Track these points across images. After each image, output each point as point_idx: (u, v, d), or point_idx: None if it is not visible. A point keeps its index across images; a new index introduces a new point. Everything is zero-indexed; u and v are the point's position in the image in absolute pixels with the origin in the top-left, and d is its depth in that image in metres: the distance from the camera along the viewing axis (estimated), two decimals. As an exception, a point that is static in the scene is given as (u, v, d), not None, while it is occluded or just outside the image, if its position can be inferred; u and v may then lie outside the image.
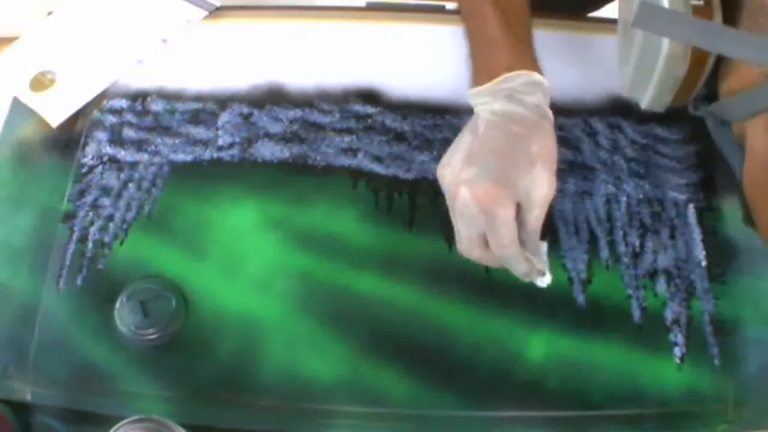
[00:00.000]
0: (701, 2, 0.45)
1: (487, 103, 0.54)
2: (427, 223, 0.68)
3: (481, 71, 0.55)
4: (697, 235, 0.68)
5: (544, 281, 0.56)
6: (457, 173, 0.53)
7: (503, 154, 0.52)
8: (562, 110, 0.73)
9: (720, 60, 0.47)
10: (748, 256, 0.67)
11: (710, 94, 0.49)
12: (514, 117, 0.53)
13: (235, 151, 0.72)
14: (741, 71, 0.44)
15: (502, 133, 0.53)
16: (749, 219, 0.47)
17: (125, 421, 0.55)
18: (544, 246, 0.56)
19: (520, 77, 0.54)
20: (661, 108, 0.51)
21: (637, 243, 0.68)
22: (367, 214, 0.69)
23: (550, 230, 0.68)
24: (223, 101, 0.75)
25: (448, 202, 0.55)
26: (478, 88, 0.55)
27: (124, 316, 0.63)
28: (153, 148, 0.73)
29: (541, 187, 0.53)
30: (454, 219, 0.55)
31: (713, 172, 0.70)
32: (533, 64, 0.55)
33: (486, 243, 0.54)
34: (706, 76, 0.47)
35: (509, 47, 0.55)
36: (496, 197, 0.51)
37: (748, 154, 0.44)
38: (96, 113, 0.75)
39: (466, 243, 0.55)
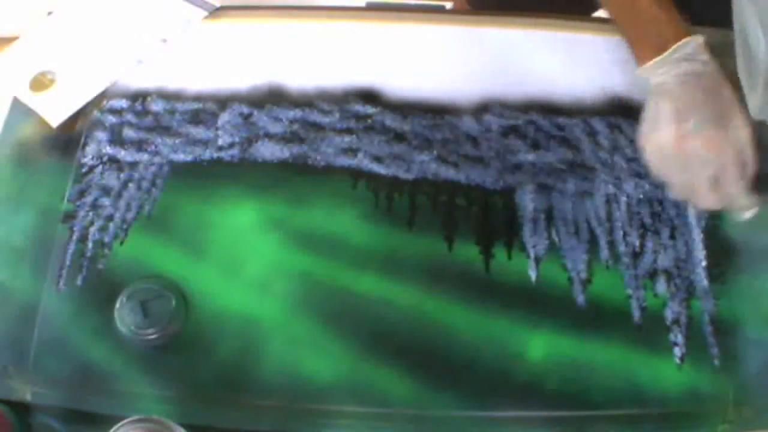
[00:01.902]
0: None
1: (668, 71, 0.62)
2: (427, 223, 0.68)
3: (647, 47, 0.64)
4: (697, 235, 0.68)
5: (753, 213, 0.64)
6: (673, 131, 0.61)
7: (710, 106, 0.61)
8: (562, 110, 0.73)
9: None
10: (748, 256, 0.67)
11: None
12: (702, 75, 0.62)
13: (235, 151, 0.72)
14: None
15: (698, 89, 0.62)
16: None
17: (125, 421, 0.55)
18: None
19: (689, 43, 0.62)
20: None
21: (637, 243, 0.68)
22: (367, 214, 0.69)
23: (550, 230, 0.68)
24: (223, 101, 0.75)
25: (663, 164, 0.63)
26: (653, 61, 0.63)
27: (124, 316, 0.63)
28: (153, 148, 0.73)
29: (743, 124, 0.61)
30: (677, 176, 0.63)
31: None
32: (688, 30, 0.63)
33: (714, 186, 0.62)
34: None
35: (667, 20, 0.63)
36: (720, 139, 0.60)
37: None
38: (96, 113, 0.75)
39: (703, 188, 0.62)
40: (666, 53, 0.62)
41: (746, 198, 0.63)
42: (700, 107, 0.61)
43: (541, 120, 0.73)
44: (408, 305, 0.65)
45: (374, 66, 0.76)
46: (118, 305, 0.64)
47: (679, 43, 0.62)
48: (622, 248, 0.67)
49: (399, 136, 0.72)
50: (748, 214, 0.64)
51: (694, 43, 0.62)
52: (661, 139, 0.63)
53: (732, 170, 0.61)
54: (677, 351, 0.63)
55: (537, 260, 0.67)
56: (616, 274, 0.66)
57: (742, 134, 0.61)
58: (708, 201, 0.63)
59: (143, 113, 0.74)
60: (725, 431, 0.62)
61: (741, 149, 0.61)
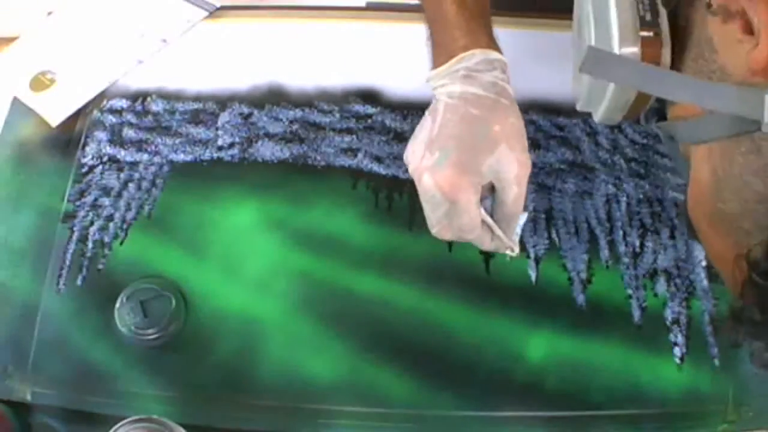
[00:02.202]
0: (651, 34, 0.46)
1: (445, 85, 0.54)
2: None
3: (440, 54, 0.55)
4: (697, 235, 0.68)
5: (513, 253, 0.57)
6: (419, 159, 0.54)
7: (463, 139, 0.52)
8: (562, 110, 0.74)
9: None
10: (748, 256, 0.67)
11: (661, 107, 0.50)
12: (472, 98, 0.53)
13: (235, 151, 0.72)
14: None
15: (460, 116, 0.53)
16: (693, 233, 0.48)
17: (125, 421, 0.55)
18: (523, 218, 0.57)
19: (475, 56, 0.54)
20: (613, 122, 0.52)
21: (637, 243, 0.68)
22: (367, 214, 0.69)
23: (550, 230, 0.68)
24: (223, 101, 0.75)
25: (417, 186, 0.56)
26: (436, 70, 0.55)
27: (124, 316, 0.63)
28: (153, 148, 0.73)
29: (509, 167, 0.53)
30: (423, 204, 0.55)
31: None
32: (489, 43, 0.55)
33: (448, 225, 0.55)
34: (654, 98, 0.49)
35: (465, 28, 0.54)
36: (457, 183, 0.52)
37: (691, 180, 0.45)
38: (96, 113, 0.75)
39: (437, 227, 0.55)
40: (448, 64, 0.54)
41: (493, 241, 0.56)
42: (454, 139, 0.52)
43: (541, 120, 0.73)
44: (408, 305, 0.65)
45: (374, 66, 0.76)
46: (118, 305, 0.64)
47: (464, 54, 0.53)
48: (622, 248, 0.67)
49: (399, 136, 0.72)
50: (508, 253, 0.57)
51: (481, 57, 0.53)
52: (408, 163, 0.55)
53: (464, 218, 0.53)
54: (677, 351, 0.63)
55: (537, 260, 0.67)
56: (616, 274, 0.66)
57: (506, 177, 0.53)
58: (443, 237, 0.56)
59: (143, 113, 0.75)
60: (725, 431, 0.62)
61: (502, 190, 0.54)
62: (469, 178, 0.52)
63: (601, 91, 0.49)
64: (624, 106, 0.49)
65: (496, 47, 0.55)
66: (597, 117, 0.52)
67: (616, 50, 0.46)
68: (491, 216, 0.55)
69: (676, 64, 0.46)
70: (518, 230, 0.56)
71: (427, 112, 0.56)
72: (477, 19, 0.56)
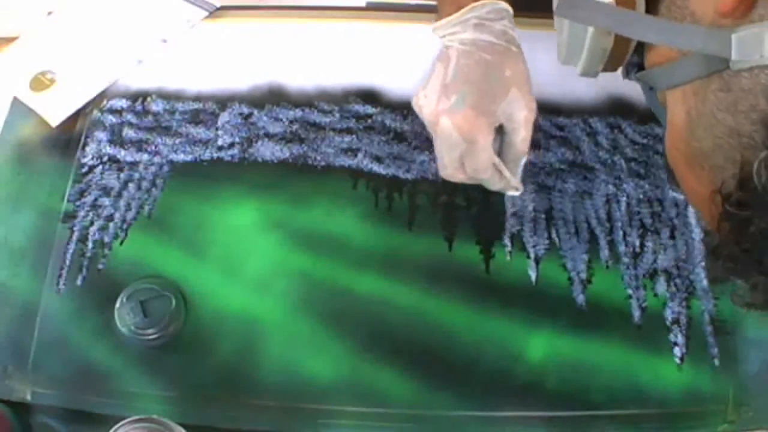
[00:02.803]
0: None
1: (456, 33, 0.57)
2: (427, 223, 0.68)
3: (448, 4, 0.58)
4: (697, 235, 0.68)
5: (517, 192, 0.61)
6: (434, 103, 0.57)
7: (478, 82, 0.56)
8: (562, 110, 0.73)
9: None
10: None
11: (640, 61, 0.52)
12: (484, 45, 0.56)
13: (235, 151, 0.72)
14: (660, 47, 0.47)
15: (474, 61, 0.56)
16: (672, 179, 0.50)
17: (125, 421, 0.55)
18: (523, 160, 0.60)
19: (485, 6, 0.57)
20: (595, 75, 0.54)
21: (637, 243, 0.68)
22: (367, 214, 0.69)
23: (550, 230, 0.68)
24: (223, 101, 0.75)
25: (430, 130, 0.58)
26: (446, 19, 0.57)
27: (124, 316, 0.63)
28: (153, 148, 0.73)
29: (520, 109, 0.57)
30: (436, 147, 0.58)
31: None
32: None
33: (461, 166, 0.58)
34: (634, 47, 0.51)
35: None
36: (475, 124, 0.55)
37: (668, 124, 0.47)
38: (96, 113, 0.75)
39: (450, 168, 0.59)
40: (458, 13, 0.57)
41: (501, 180, 0.59)
42: (470, 83, 0.56)
43: (541, 120, 0.73)
44: (408, 305, 0.65)
45: (374, 66, 0.76)
46: (118, 305, 0.64)
47: (475, 4, 0.56)
48: (622, 248, 0.67)
49: (399, 136, 0.72)
50: (511, 193, 0.61)
51: (491, 7, 0.57)
52: (422, 108, 0.58)
53: (482, 156, 0.57)
54: (677, 351, 0.63)
55: (537, 260, 0.67)
56: (616, 274, 0.66)
57: (517, 118, 0.57)
58: (455, 178, 0.59)
59: (143, 113, 0.74)
60: (725, 431, 0.62)
61: (513, 132, 0.58)
62: (485, 119, 0.56)
63: (579, 42, 0.51)
64: (602, 56, 0.51)
65: None
66: (578, 69, 0.54)
67: None
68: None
69: (650, 12, 0.48)
70: (520, 171, 0.60)
71: (435, 59, 0.58)
72: None
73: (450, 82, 0.56)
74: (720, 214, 0.40)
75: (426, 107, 0.57)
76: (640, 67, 0.51)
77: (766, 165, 0.37)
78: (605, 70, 0.53)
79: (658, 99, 0.49)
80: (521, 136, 0.58)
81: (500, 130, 0.58)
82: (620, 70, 0.54)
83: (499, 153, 0.59)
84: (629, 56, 0.51)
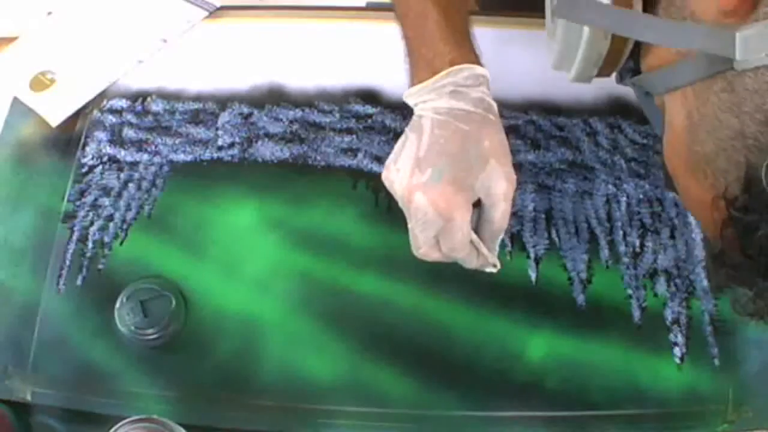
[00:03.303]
0: None
1: (430, 100, 0.53)
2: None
3: (422, 68, 0.54)
4: (697, 235, 0.68)
5: (494, 269, 0.57)
6: (407, 178, 0.53)
7: (455, 155, 0.52)
8: (562, 110, 0.74)
9: None
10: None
11: (635, 66, 0.50)
12: (461, 114, 0.52)
13: (235, 151, 0.72)
14: (659, 50, 0.46)
15: (451, 132, 0.52)
16: (670, 185, 0.48)
17: (125, 421, 0.55)
18: (501, 236, 0.56)
19: (463, 71, 0.53)
20: (588, 80, 0.51)
21: (637, 243, 0.68)
22: (367, 214, 0.69)
23: (550, 230, 0.68)
24: (223, 101, 0.75)
25: (402, 207, 0.54)
26: (419, 86, 0.54)
27: (124, 316, 0.63)
28: (153, 148, 0.73)
29: (499, 182, 0.53)
30: (410, 225, 0.54)
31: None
32: (475, 58, 0.54)
33: (437, 245, 0.54)
34: (629, 51, 0.49)
35: (451, 42, 0.53)
36: (453, 201, 0.51)
37: (667, 128, 0.46)
38: (96, 113, 0.75)
39: (425, 247, 0.54)
40: (433, 79, 0.53)
41: (479, 258, 0.55)
42: (446, 156, 0.52)
43: (541, 120, 0.73)
44: (408, 305, 0.65)
45: (374, 66, 0.76)
46: (118, 305, 0.64)
47: (451, 69, 0.52)
48: (622, 248, 0.67)
49: (399, 136, 0.72)
50: (489, 270, 0.56)
51: (469, 72, 0.53)
52: (393, 183, 0.54)
53: (458, 235, 0.52)
54: (677, 351, 0.63)
55: (537, 260, 0.67)
56: (616, 274, 0.66)
57: (496, 192, 0.53)
58: (429, 257, 0.55)
59: (143, 113, 0.74)
60: (725, 431, 0.62)
61: (491, 207, 0.53)
62: (463, 194, 0.52)
63: (573, 47, 0.49)
64: (597, 60, 0.49)
65: (480, 62, 0.54)
66: (571, 75, 0.51)
67: None
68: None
69: (648, 13, 0.46)
70: (497, 248, 0.56)
71: (408, 129, 0.55)
72: (462, 32, 0.55)
73: (424, 155, 0.52)
74: (724, 219, 0.39)
75: (398, 182, 0.53)
76: (635, 72, 0.50)
77: None
78: (599, 75, 0.51)
79: (656, 104, 0.48)
80: (500, 210, 0.53)
81: (477, 204, 0.54)
82: (614, 75, 0.52)
83: (476, 229, 0.55)
84: (624, 60, 0.50)
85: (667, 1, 0.45)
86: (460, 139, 0.52)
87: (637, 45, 0.49)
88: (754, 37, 0.38)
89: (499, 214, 0.54)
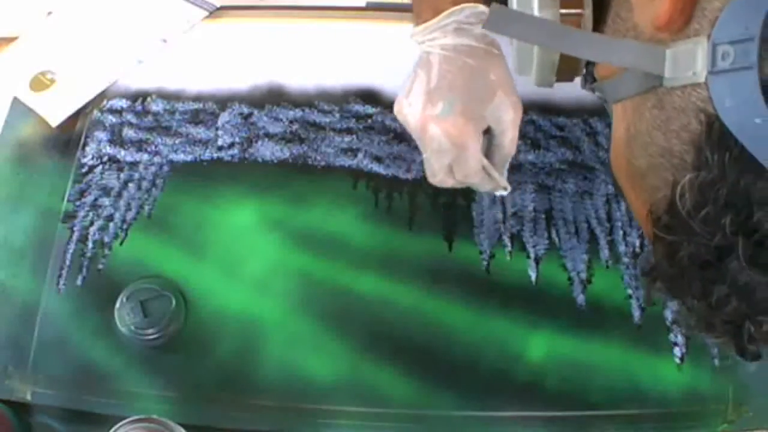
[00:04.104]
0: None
1: (436, 38, 0.56)
2: (427, 223, 0.68)
3: (425, 10, 0.57)
4: (697, 235, 0.67)
5: (505, 192, 0.61)
6: (420, 111, 0.56)
7: (463, 88, 0.55)
8: (562, 110, 0.73)
9: None
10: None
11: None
12: (466, 50, 0.55)
13: (235, 151, 0.72)
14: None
15: (458, 67, 0.55)
16: (619, 190, 0.48)
17: (125, 421, 0.55)
18: (509, 159, 0.60)
19: (464, 10, 0.55)
20: (551, 85, 0.52)
21: (637, 243, 0.68)
22: (367, 214, 0.69)
23: (550, 230, 0.68)
24: (223, 101, 0.75)
25: (415, 137, 0.58)
26: (424, 25, 0.56)
27: (124, 316, 0.63)
28: (153, 148, 0.73)
29: (507, 111, 0.56)
30: (425, 154, 0.58)
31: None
32: None
33: (451, 172, 0.57)
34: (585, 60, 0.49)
35: None
36: (465, 130, 0.55)
37: (613, 137, 0.46)
38: (96, 113, 0.75)
39: (441, 175, 0.58)
40: (437, 18, 0.55)
41: (491, 182, 0.59)
42: (455, 89, 0.55)
43: (541, 120, 0.73)
44: (408, 305, 0.65)
45: (374, 66, 0.76)
46: (118, 305, 0.64)
47: (454, 9, 0.55)
48: (622, 248, 0.67)
49: (399, 136, 0.72)
50: (497, 193, 0.61)
51: (470, 11, 0.55)
52: (407, 116, 0.57)
53: (471, 162, 0.56)
54: (677, 351, 0.63)
55: (537, 260, 0.67)
56: (616, 274, 0.66)
57: (505, 120, 0.56)
58: (445, 184, 0.59)
59: (143, 113, 0.75)
60: (725, 431, 0.62)
61: (501, 134, 0.57)
62: (474, 124, 0.55)
63: (528, 54, 0.50)
64: (552, 67, 0.50)
65: (482, 0, 0.56)
66: (533, 80, 0.52)
67: (536, 12, 0.46)
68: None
69: (598, 26, 0.46)
70: (505, 171, 0.60)
71: (416, 65, 0.57)
72: None
73: (434, 89, 0.55)
74: (654, 234, 0.38)
75: (411, 115, 0.56)
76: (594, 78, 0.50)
77: (690, 188, 0.35)
78: (560, 80, 0.51)
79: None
80: (509, 137, 0.57)
81: (486, 132, 0.58)
82: (578, 80, 0.52)
83: (487, 155, 0.59)
84: (582, 67, 0.50)
85: (615, 12, 0.45)
86: (468, 72, 0.55)
87: None
88: (682, 54, 0.37)
89: (509, 140, 0.58)
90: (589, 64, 0.50)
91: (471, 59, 0.55)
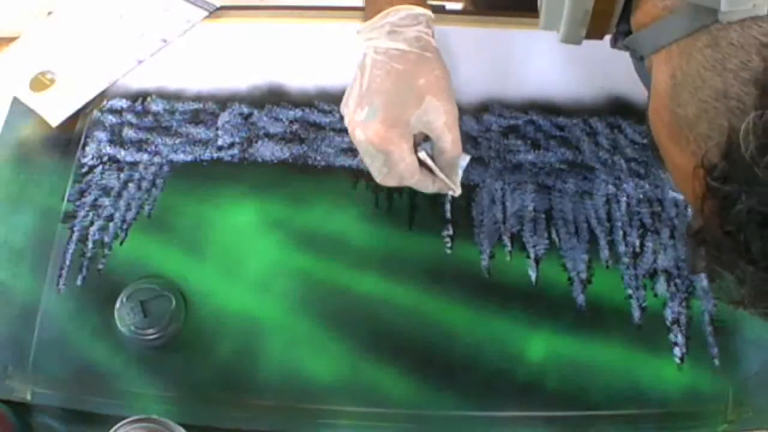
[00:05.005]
0: None
1: (373, 39, 0.57)
2: (427, 223, 0.68)
3: (370, 8, 0.58)
4: (697, 235, 0.68)
5: (455, 194, 0.61)
6: (351, 114, 0.57)
7: (388, 93, 0.55)
8: (562, 110, 0.74)
9: None
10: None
11: (629, 29, 0.48)
12: (396, 54, 0.55)
13: (235, 151, 0.72)
14: (647, 5, 0.43)
15: (386, 72, 0.55)
16: (657, 153, 0.46)
17: (125, 421, 0.55)
18: (465, 159, 0.60)
19: (400, 12, 0.56)
20: (578, 42, 0.50)
21: (637, 243, 0.68)
22: (367, 214, 0.69)
23: (550, 230, 0.68)
24: (223, 101, 0.75)
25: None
26: (367, 23, 0.57)
27: (124, 316, 0.63)
28: (153, 148, 0.73)
29: (437, 116, 0.56)
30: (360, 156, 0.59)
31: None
32: (417, 0, 0.57)
33: (389, 174, 0.58)
34: (620, 11, 0.47)
35: None
36: (386, 137, 0.55)
37: (652, 93, 0.43)
38: (96, 113, 0.75)
39: (380, 175, 0.59)
40: (375, 18, 0.56)
41: (435, 183, 0.59)
42: (380, 94, 0.55)
43: (541, 120, 0.73)
44: (408, 305, 0.65)
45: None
46: (118, 305, 0.64)
47: (390, 10, 0.56)
48: (622, 248, 0.67)
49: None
50: (449, 194, 0.61)
51: (407, 12, 0.56)
52: (345, 119, 0.58)
53: (401, 166, 0.56)
54: (677, 351, 0.63)
55: (537, 260, 0.67)
56: (616, 274, 0.66)
57: (437, 125, 0.56)
58: (389, 183, 0.59)
59: (143, 113, 0.75)
60: (725, 431, 0.62)
61: (438, 138, 0.57)
62: (397, 130, 0.55)
63: (559, 5, 0.49)
64: (584, 19, 0.48)
65: (423, 3, 0.57)
66: (560, 36, 0.51)
67: None
68: (434, 162, 0.59)
69: None
70: (460, 172, 0.60)
71: (356, 65, 0.58)
72: None
73: (364, 93, 0.56)
74: (704, 191, 0.35)
75: (346, 117, 0.57)
76: (628, 34, 0.48)
77: (755, 131, 0.32)
78: (589, 37, 0.49)
79: (647, 67, 0.45)
80: (448, 140, 0.57)
81: (427, 138, 0.58)
82: (608, 39, 0.50)
83: (434, 158, 0.59)
84: (615, 21, 0.48)
85: None
86: (394, 78, 0.55)
87: (628, 5, 0.46)
88: None
89: (448, 144, 0.57)
90: (624, 20, 0.47)
91: (399, 64, 0.55)
